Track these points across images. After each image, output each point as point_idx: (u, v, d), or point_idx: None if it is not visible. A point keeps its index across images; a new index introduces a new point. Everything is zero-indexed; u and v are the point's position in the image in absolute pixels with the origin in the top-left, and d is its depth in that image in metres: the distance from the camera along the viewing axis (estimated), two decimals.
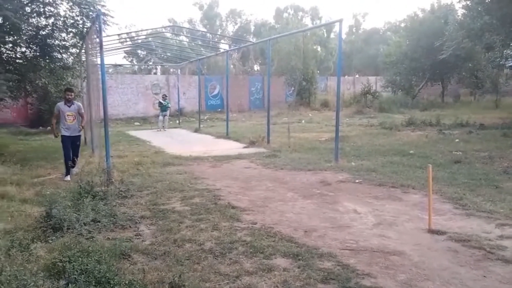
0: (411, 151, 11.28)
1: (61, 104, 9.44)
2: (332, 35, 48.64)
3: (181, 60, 25.54)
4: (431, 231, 5.25)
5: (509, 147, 11.50)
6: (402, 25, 39.78)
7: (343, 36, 55.03)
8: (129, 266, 4.34)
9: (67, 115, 9.29)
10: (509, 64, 27.16)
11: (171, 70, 35.63)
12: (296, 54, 29.64)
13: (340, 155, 10.59)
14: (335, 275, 4.06)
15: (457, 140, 13.27)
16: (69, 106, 9.36)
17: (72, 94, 9.65)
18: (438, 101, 31.13)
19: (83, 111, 9.58)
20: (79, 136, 9.62)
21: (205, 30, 51.76)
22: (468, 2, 18.62)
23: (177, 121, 25.02)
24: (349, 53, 54.18)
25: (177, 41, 38.75)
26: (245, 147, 13.55)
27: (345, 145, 12.68)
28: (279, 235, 5.21)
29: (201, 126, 21.30)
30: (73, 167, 9.13)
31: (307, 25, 45.65)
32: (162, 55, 28.92)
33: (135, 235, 5.35)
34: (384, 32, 58.23)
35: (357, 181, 8.31)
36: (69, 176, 8.97)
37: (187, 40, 38.74)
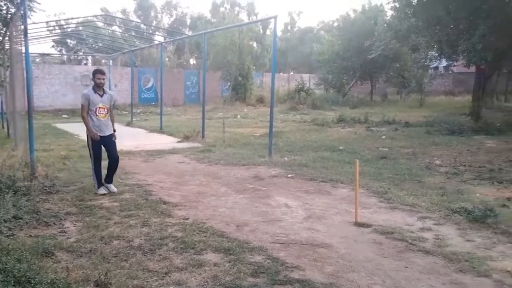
0: (340, 147, 11.65)
1: (90, 92, 6.92)
2: (268, 32, 49.06)
3: (113, 51, 24.68)
4: (358, 224, 5.46)
5: (432, 144, 12.20)
6: (335, 24, 40.84)
7: (279, 33, 56.07)
8: (52, 264, 4.14)
9: (99, 107, 6.93)
10: (433, 65, 28.73)
11: (103, 61, 34.46)
12: (232, 49, 29.60)
13: (273, 150, 10.73)
14: (265, 268, 4.10)
15: (383, 137, 13.88)
16: (101, 96, 6.98)
17: (105, 77, 7.22)
18: (367, 99, 32.32)
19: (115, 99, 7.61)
20: (112, 134, 7.24)
21: (139, 21, 50.44)
22: (396, 4, 19.39)
23: None
24: (284, 50, 55.00)
25: (109, 31, 37.42)
26: (179, 142, 13.36)
27: (279, 140, 12.88)
28: (211, 230, 5.18)
29: (134, 119, 20.68)
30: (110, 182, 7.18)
31: (243, 21, 45.76)
32: (93, 45, 27.85)
33: (60, 232, 5.12)
34: (318, 31, 59.52)
35: (289, 175, 8.47)
36: (102, 188, 7.06)
37: (120, 30, 37.58)
